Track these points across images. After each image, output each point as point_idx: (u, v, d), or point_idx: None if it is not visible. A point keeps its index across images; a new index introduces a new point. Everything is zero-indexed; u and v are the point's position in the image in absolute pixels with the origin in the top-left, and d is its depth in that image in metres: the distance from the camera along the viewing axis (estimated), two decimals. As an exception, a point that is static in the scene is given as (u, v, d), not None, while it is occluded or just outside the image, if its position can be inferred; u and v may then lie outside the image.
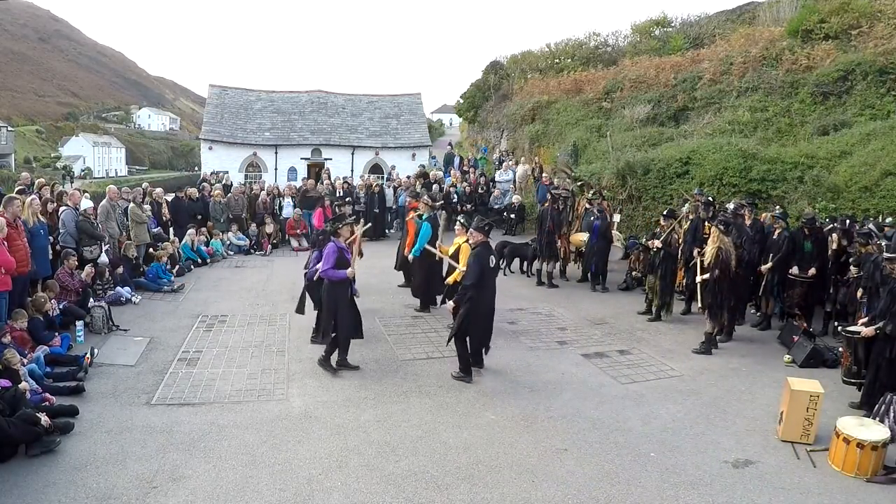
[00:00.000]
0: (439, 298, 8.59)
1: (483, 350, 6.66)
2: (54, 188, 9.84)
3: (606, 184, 13.08)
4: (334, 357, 6.65)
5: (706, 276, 7.42)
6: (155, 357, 7.02)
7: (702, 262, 7.63)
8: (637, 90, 18.17)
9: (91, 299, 8.16)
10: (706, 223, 8.57)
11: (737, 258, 7.38)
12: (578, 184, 12.24)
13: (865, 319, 5.94)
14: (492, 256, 6.52)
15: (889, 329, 5.50)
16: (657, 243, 8.66)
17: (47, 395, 5.63)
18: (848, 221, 8.63)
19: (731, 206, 9.31)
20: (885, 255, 5.79)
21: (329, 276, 6.39)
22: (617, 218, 11.46)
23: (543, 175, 15.17)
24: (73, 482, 4.47)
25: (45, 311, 7.09)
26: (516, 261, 11.64)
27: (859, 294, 7.01)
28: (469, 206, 16.21)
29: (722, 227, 7.33)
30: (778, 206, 9.76)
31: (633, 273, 10.44)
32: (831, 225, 8.47)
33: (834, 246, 8.08)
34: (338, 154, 23.10)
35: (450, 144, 24.71)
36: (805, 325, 7.76)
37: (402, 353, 7.30)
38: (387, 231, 15.89)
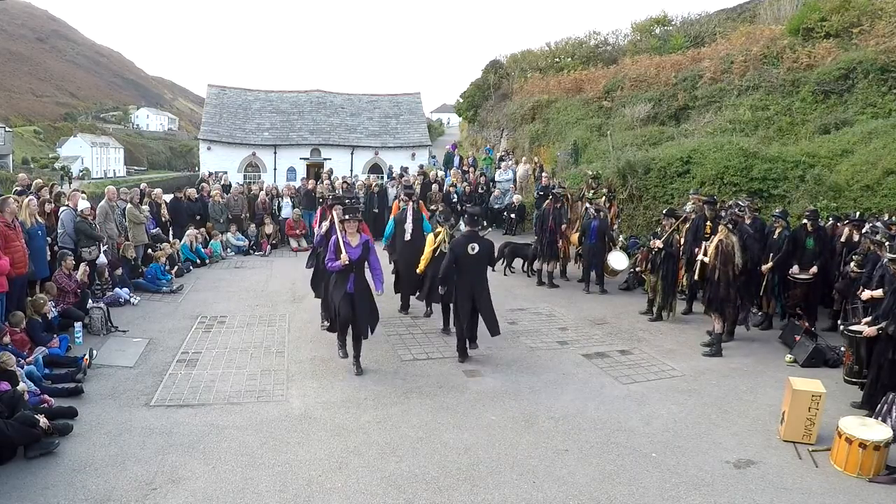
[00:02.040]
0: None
1: (473, 332, 6.91)
2: (53, 189, 9.80)
3: (611, 184, 12.95)
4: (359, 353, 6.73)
5: (704, 257, 7.45)
6: (154, 358, 6.99)
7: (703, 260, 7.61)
8: (637, 89, 18.13)
9: (89, 300, 8.13)
10: (707, 223, 8.56)
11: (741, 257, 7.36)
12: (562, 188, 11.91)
13: (868, 319, 5.92)
14: (472, 245, 6.71)
15: (892, 330, 5.47)
16: (658, 243, 8.63)
17: (46, 396, 5.60)
18: (859, 215, 8.62)
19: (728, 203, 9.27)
20: (888, 255, 5.76)
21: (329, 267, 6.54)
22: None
23: (543, 175, 15.14)
24: (71, 484, 4.45)
25: (44, 312, 7.05)
26: (518, 261, 11.59)
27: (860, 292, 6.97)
28: (469, 205, 16.18)
29: (731, 227, 7.34)
30: (778, 207, 9.73)
31: (638, 270, 10.28)
32: (850, 216, 8.47)
33: (843, 238, 8.06)
34: (337, 154, 23.10)
35: (453, 146, 24.64)
36: (807, 324, 7.72)
37: (402, 354, 7.28)
38: (386, 231, 15.85)
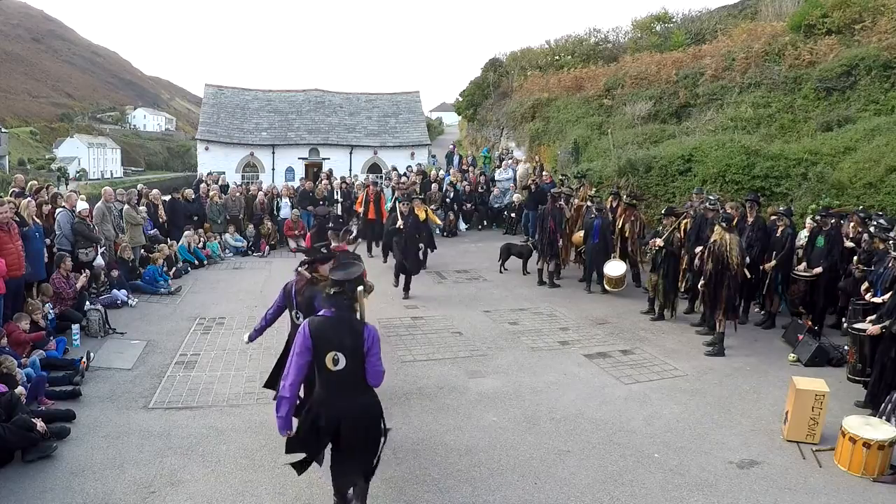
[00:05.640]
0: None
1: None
2: (49, 189, 9.74)
3: (623, 184, 12.73)
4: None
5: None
6: (152, 360, 6.95)
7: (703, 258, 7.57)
8: (638, 87, 18.01)
9: (87, 302, 8.08)
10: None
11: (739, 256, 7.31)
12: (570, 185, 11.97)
13: (873, 317, 5.88)
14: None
15: (895, 328, 5.43)
16: (659, 242, 8.58)
17: (43, 399, 5.56)
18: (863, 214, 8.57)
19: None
20: (893, 253, 5.71)
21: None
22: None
23: (544, 174, 15.08)
24: (70, 488, 4.41)
25: (35, 320, 6.87)
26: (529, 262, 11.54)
27: (863, 289, 6.93)
28: (469, 205, 16.14)
29: (724, 225, 7.27)
30: (782, 205, 9.67)
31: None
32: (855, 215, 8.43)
33: (851, 235, 8.02)
34: (336, 154, 23.03)
35: (453, 145, 24.59)
36: (810, 323, 7.68)
37: (402, 355, 7.23)
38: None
